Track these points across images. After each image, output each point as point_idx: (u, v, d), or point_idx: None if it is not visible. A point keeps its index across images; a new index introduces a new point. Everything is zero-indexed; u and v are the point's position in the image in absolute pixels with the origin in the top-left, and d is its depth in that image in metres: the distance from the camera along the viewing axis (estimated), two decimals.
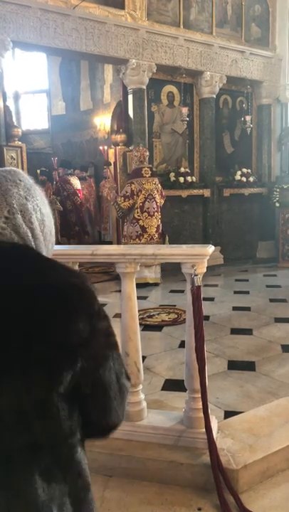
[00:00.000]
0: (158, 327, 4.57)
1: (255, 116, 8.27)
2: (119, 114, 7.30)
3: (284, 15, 8.12)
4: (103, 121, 11.07)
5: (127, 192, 6.13)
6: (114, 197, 6.30)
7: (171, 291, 6.06)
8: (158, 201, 6.25)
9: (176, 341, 4.12)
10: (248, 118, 7.75)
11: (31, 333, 0.73)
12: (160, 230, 6.34)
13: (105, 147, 7.16)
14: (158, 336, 4.35)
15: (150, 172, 6.25)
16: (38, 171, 11.52)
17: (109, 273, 7.18)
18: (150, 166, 6.47)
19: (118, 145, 6.96)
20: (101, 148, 7.75)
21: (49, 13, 5.72)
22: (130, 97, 6.82)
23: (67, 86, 12.29)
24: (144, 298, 5.65)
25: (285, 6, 8.10)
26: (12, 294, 0.74)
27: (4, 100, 5.93)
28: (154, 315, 4.98)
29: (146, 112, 6.92)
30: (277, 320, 4.68)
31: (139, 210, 6.14)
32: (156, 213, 6.22)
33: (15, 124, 6.67)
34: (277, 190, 7.98)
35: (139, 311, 2.64)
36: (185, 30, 7.01)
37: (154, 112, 7.15)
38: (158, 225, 6.28)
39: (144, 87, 6.80)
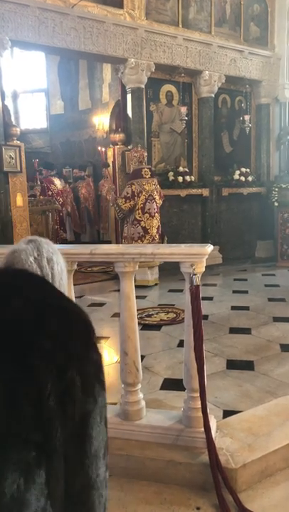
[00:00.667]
0: (157, 326, 4.57)
1: (253, 116, 8.27)
2: (118, 113, 7.29)
3: (283, 14, 8.12)
4: (102, 120, 11.07)
5: (127, 193, 6.08)
6: (114, 198, 6.27)
7: (170, 291, 6.06)
8: (157, 202, 6.24)
9: (174, 341, 4.12)
10: (246, 117, 7.75)
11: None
12: (160, 231, 6.34)
13: (103, 148, 7.12)
14: (157, 335, 4.35)
15: (150, 173, 6.23)
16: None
17: (108, 272, 7.18)
18: (149, 166, 6.44)
19: (117, 144, 6.95)
20: (99, 149, 7.70)
21: (47, 12, 5.71)
22: (129, 97, 6.82)
23: (65, 85, 12.28)
24: (143, 297, 5.65)
25: (283, 5, 8.10)
26: (40, 309, 0.80)
27: (3, 99, 5.92)
28: (152, 314, 4.99)
29: (144, 112, 6.91)
30: (276, 319, 4.68)
31: (140, 211, 6.10)
32: (156, 214, 6.21)
33: (13, 123, 6.64)
34: (276, 189, 7.99)
35: (137, 310, 2.64)
36: (184, 30, 7.00)
37: (153, 112, 7.14)
38: (158, 226, 6.27)
39: (143, 86, 6.79)
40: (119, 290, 2.53)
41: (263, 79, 8.06)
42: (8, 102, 7.82)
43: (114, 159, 6.94)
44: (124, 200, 6.06)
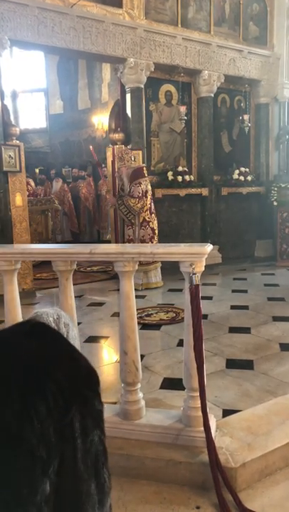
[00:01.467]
0: (156, 326, 4.57)
1: (253, 115, 8.27)
2: (117, 113, 7.28)
3: (282, 13, 8.12)
4: (101, 120, 11.08)
5: (139, 193, 5.96)
6: (115, 200, 6.20)
7: (170, 290, 6.07)
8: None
9: (174, 340, 4.13)
10: (246, 117, 7.75)
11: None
12: None
13: (91, 146, 7.00)
14: (156, 334, 4.35)
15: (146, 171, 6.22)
16: (37, 170, 11.53)
17: (108, 272, 7.18)
18: (145, 165, 6.42)
19: (116, 144, 6.95)
20: (91, 148, 7.55)
21: (47, 11, 5.71)
22: (128, 96, 6.82)
23: (65, 85, 12.29)
24: (143, 297, 5.65)
25: (282, 4, 8.10)
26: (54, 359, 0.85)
27: (2, 99, 5.92)
28: (152, 314, 4.99)
29: (144, 111, 6.91)
30: (276, 319, 4.69)
31: (148, 212, 6.04)
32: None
33: (13, 122, 6.64)
34: (275, 189, 7.99)
35: (137, 310, 2.64)
36: (183, 29, 7.01)
37: (152, 111, 7.14)
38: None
39: (142, 85, 6.79)
40: (118, 290, 2.53)
41: (262, 78, 8.06)
42: (8, 102, 7.82)
43: (114, 159, 6.93)
44: (137, 200, 5.93)
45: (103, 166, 8.65)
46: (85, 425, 0.82)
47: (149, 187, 6.14)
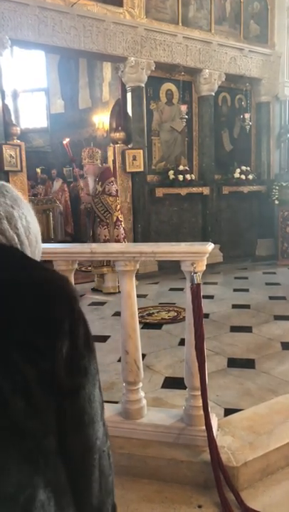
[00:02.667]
0: (158, 325, 4.58)
1: (254, 114, 8.26)
2: (118, 112, 7.29)
3: (282, 12, 8.11)
4: (102, 119, 11.07)
5: (115, 191, 5.90)
6: (91, 198, 5.98)
7: (171, 289, 6.06)
8: None
9: (175, 339, 4.13)
10: (246, 116, 7.74)
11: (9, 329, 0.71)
12: None
13: (65, 142, 6.68)
14: (158, 333, 4.35)
15: None
16: (39, 170, 11.53)
17: None
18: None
19: (117, 143, 6.95)
20: (64, 143, 7.14)
21: (47, 10, 5.71)
22: (129, 95, 6.82)
23: (65, 84, 12.27)
24: (144, 296, 5.65)
25: (283, 2, 8.09)
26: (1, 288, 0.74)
27: (3, 99, 5.92)
28: (153, 313, 4.99)
29: (145, 110, 6.91)
30: (277, 318, 4.68)
31: (120, 211, 5.99)
32: None
33: (14, 122, 6.65)
34: (277, 187, 7.98)
35: (138, 309, 2.64)
36: (183, 28, 7.00)
37: (153, 110, 7.14)
38: None
39: (143, 85, 6.79)
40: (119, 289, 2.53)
41: (263, 77, 8.05)
42: (9, 101, 7.82)
43: (115, 158, 6.93)
44: (114, 198, 5.86)
45: (74, 167, 8.50)
46: (74, 355, 0.75)
47: (116, 186, 6.06)
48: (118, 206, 5.96)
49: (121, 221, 5.99)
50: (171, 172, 7.16)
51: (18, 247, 0.85)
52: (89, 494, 0.78)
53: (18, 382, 0.69)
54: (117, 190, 5.98)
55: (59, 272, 0.83)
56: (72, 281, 2.58)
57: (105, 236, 5.91)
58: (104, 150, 8.84)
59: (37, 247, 0.90)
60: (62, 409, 0.74)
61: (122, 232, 5.97)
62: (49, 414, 0.73)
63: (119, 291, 5.72)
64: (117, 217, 5.93)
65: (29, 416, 0.70)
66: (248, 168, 8.08)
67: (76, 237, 10.75)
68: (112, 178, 5.98)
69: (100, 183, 5.91)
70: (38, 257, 0.90)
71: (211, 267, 5.98)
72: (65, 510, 0.75)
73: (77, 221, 10.99)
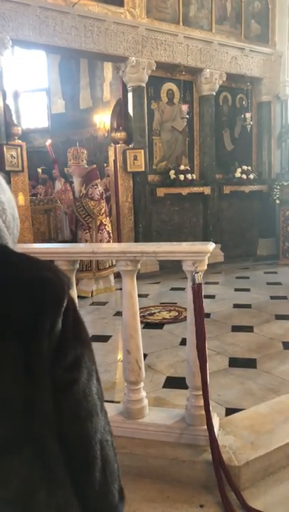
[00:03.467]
0: (159, 325, 4.58)
1: (255, 114, 8.25)
2: (119, 112, 7.28)
3: (283, 11, 8.10)
4: (103, 119, 11.07)
5: (98, 195, 5.71)
6: (72, 201, 5.87)
7: (172, 289, 6.07)
8: None
9: (177, 339, 4.13)
10: (247, 115, 7.74)
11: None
12: None
13: (49, 140, 6.54)
14: (159, 333, 4.35)
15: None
16: (40, 170, 11.53)
17: None
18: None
19: (118, 143, 6.95)
20: (47, 144, 6.99)
21: (48, 11, 5.71)
22: (130, 95, 6.82)
23: (66, 84, 12.28)
24: (145, 296, 5.65)
25: (284, 2, 8.08)
26: None
27: (4, 99, 5.92)
28: (155, 313, 4.99)
29: (146, 110, 6.91)
30: (278, 317, 4.68)
31: (104, 215, 5.81)
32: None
33: (15, 122, 6.67)
34: (278, 187, 7.98)
35: (140, 308, 2.64)
36: (184, 28, 6.99)
37: (154, 110, 7.14)
38: None
39: (144, 84, 6.79)
40: (121, 289, 2.53)
41: (264, 76, 8.04)
42: (10, 102, 7.84)
43: (116, 158, 6.93)
44: (96, 202, 5.67)
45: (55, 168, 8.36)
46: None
47: (102, 189, 5.89)
48: (102, 210, 5.77)
49: (105, 225, 5.81)
50: (172, 172, 7.16)
51: None
52: (92, 484, 0.78)
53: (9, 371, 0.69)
54: (101, 193, 5.78)
55: (45, 261, 0.80)
56: (74, 281, 2.58)
57: (86, 240, 5.71)
58: (105, 150, 8.86)
59: (15, 224, 0.86)
60: (58, 405, 0.74)
61: (106, 236, 5.79)
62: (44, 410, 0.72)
63: (91, 295, 5.77)
64: (101, 221, 5.76)
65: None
66: (249, 168, 8.07)
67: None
68: (97, 181, 5.79)
69: (84, 185, 5.76)
70: (16, 233, 0.87)
71: (212, 267, 6.00)
72: (68, 502, 0.76)
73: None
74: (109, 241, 5.86)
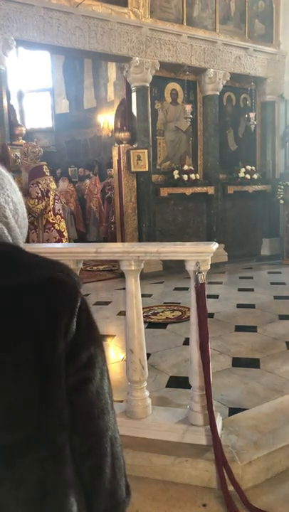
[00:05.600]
0: (162, 324, 4.58)
1: (259, 113, 8.24)
2: (123, 111, 7.29)
3: (288, 11, 8.08)
4: (107, 119, 11.09)
5: (38, 193, 5.44)
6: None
7: (176, 289, 6.07)
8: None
9: (180, 338, 4.13)
10: (251, 115, 7.73)
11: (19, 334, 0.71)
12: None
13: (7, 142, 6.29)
14: (162, 333, 4.36)
15: (49, 170, 5.74)
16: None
17: (114, 271, 7.20)
18: (46, 162, 5.91)
19: (122, 143, 6.96)
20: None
21: (52, 11, 5.72)
22: (134, 95, 6.82)
23: (70, 84, 12.31)
24: (149, 295, 5.66)
25: (288, 1, 8.06)
26: None
27: (8, 99, 5.94)
28: (158, 312, 5.00)
29: (149, 110, 6.91)
30: (282, 317, 4.68)
31: (52, 212, 5.51)
32: (63, 215, 5.79)
33: (19, 122, 6.67)
34: (282, 187, 7.96)
35: (143, 308, 2.65)
36: (188, 28, 6.99)
37: (158, 110, 7.14)
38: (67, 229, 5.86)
39: (148, 84, 6.79)
40: (124, 288, 2.54)
41: (268, 76, 8.03)
42: (14, 102, 7.87)
43: (120, 158, 6.94)
44: (36, 200, 5.41)
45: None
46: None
47: (53, 186, 5.64)
48: (48, 208, 5.51)
49: (53, 223, 5.56)
50: (175, 172, 7.16)
51: (8, 237, 0.81)
52: (103, 480, 0.80)
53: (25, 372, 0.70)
54: (41, 191, 5.49)
55: (57, 262, 0.80)
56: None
57: (33, 240, 5.52)
58: (109, 150, 8.87)
59: (25, 224, 0.87)
60: (72, 403, 0.75)
61: (56, 234, 5.54)
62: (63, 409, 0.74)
63: None
64: (47, 220, 5.54)
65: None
66: (253, 168, 8.06)
67: (86, 237, 10.86)
68: (38, 180, 5.53)
69: (28, 183, 5.56)
70: (25, 231, 0.88)
71: (215, 267, 5.99)
72: (79, 502, 0.77)
73: (85, 221, 11.07)
74: (60, 240, 5.58)
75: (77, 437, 0.77)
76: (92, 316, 0.79)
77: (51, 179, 5.67)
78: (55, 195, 5.60)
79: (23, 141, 5.99)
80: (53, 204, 5.54)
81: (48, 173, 5.63)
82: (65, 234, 5.65)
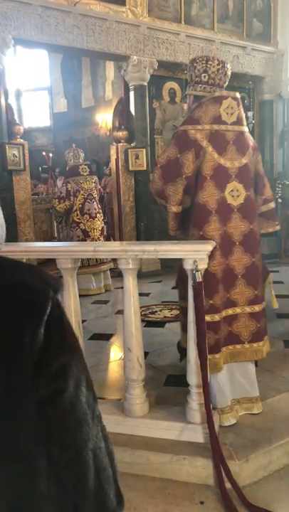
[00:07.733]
0: (160, 323, 4.59)
1: (257, 112, 8.24)
2: (121, 110, 7.29)
3: (286, 10, 8.08)
4: (105, 118, 11.08)
5: (61, 193, 5.56)
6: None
7: (174, 288, 6.06)
8: (97, 201, 5.80)
9: (178, 337, 4.12)
10: (249, 114, 7.72)
11: None
12: (105, 233, 5.92)
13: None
14: (160, 331, 4.36)
15: (88, 170, 5.77)
16: (40, 169, 11.55)
17: (112, 270, 7.19)
18: (88, 163, 6.00)
19: (120, 142, 6.96)
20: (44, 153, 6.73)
21: (50, 10, 5.71)
22: (132, 94, 6.82)
23: (68, 83, 12.30)
24: (147, 294, 5.66)
25: (286, 0, 8.06)
26: None
27: (6, 98, 5.94)
28: (156, 311, 5.00)
29: (147, 109, 6.91)
30: (280, 316, 4.68)
31: (78, 212, 5.57)
32: (98, 215, 5.72)
33: (17, 121, 6.66)
34: (280, 186, 7.96)
35: (141, 307, 2.66)
36: (186, 26, 6.99)
37: (156, 109, 7.14)
38: (102, 228, 5.81)
39: (146, 83, 6.79)
40: (122, 287, 2.54)
41: (266, 75, 8.03)
42: (12, 101, 7.86)
43: (118, 157, 6.94)
44: (58, 200, 5.53)
45: None
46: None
47: (86, 185, 5.63)
48: (75, 207, 5.58)
49: (78, 223, 5.60)
50: None
51: None
52: (86, 493, 0.77)
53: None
54: (66, 191, 5.58)
55: (32, 266, 0.77)
56: (75, 279, 2.60)
57: (61, 238, 5.64)
58: (107, 149, 8.87)
59: (3, 228, 0.85)
60: (45, 415, 0.72)
61: (80, 233, 5.59)
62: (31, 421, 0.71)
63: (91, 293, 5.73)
64: (73, 219, 5.62)
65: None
66: None
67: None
68: (69, 179, 5.63)
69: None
70: (3, 238, 0.86)
71: None
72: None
73: None
74: (83, 239, 5.63)
75: (56, 449, 0.74)
76: (68, 323, 0.76)
77: (88, 179, 5.66)
78: (89, 194, 5.59)
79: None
80: (82, 204, 5.55)
81: (85, 173, 5.66)
82: (92, 234, 5.62)
